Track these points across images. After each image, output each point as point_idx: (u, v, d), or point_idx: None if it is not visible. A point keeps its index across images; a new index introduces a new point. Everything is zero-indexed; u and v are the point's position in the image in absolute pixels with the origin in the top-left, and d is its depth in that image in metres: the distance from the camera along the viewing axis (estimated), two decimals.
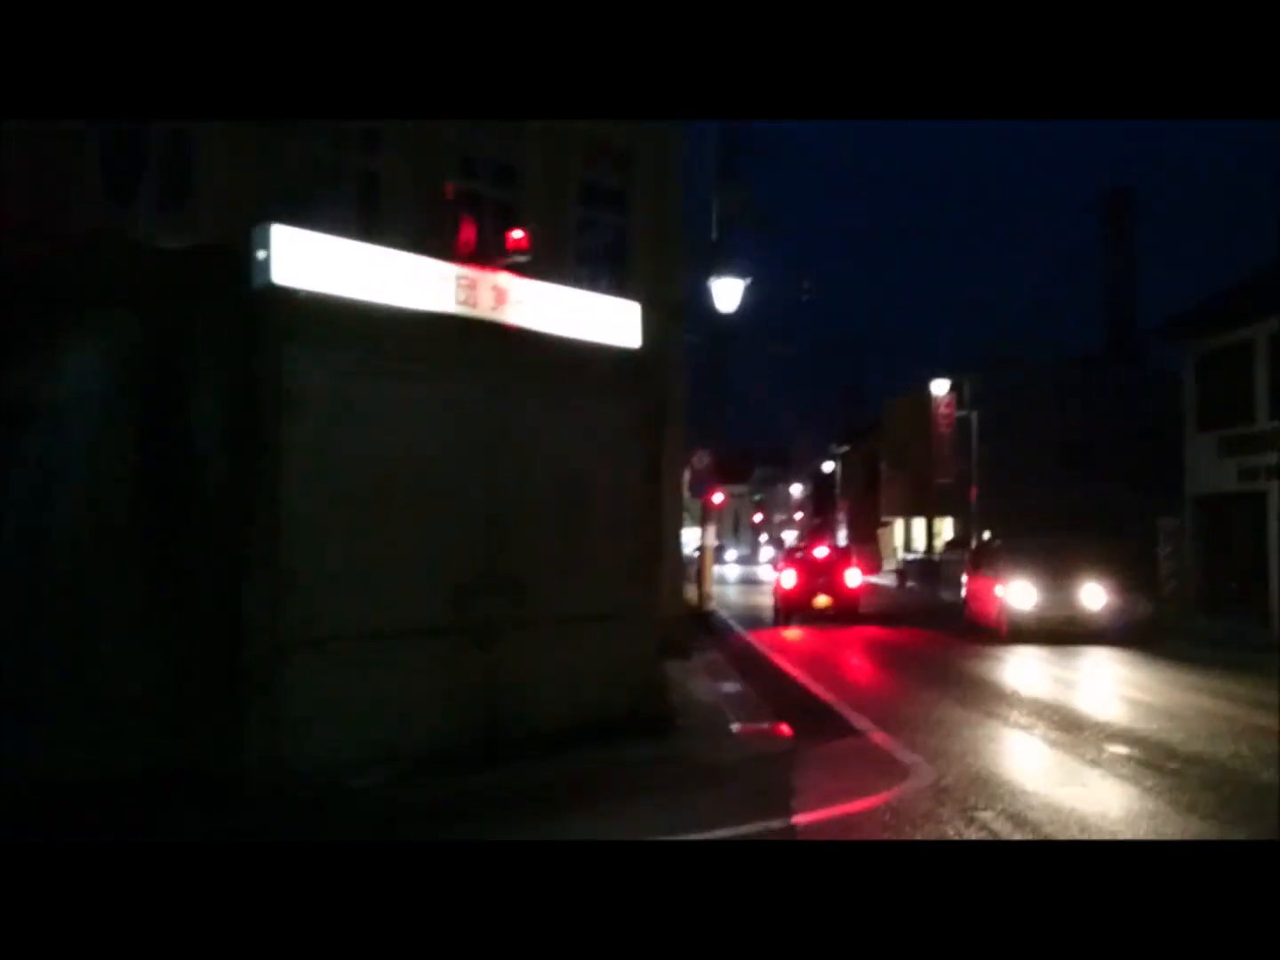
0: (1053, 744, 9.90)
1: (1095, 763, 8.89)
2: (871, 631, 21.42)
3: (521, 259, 8.58)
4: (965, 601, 22.70)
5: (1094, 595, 18.95)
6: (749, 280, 18.92)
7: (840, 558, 26.01)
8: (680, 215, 17.05)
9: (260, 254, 7.29)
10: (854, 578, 24.41)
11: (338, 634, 7.45)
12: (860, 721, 10.61)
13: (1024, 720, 11.15)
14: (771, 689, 13.07)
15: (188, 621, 7.52)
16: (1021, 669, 15.93)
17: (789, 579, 23.86)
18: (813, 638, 20.88)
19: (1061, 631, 18.26)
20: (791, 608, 23.43)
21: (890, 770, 8.44)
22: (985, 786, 7.89)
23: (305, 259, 7.47)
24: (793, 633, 21.77)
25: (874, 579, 46.25)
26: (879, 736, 9.88)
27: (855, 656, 18.35)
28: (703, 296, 19.78)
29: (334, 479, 7.49)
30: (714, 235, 19.61)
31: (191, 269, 7.72)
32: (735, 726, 10.07)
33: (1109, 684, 14.58)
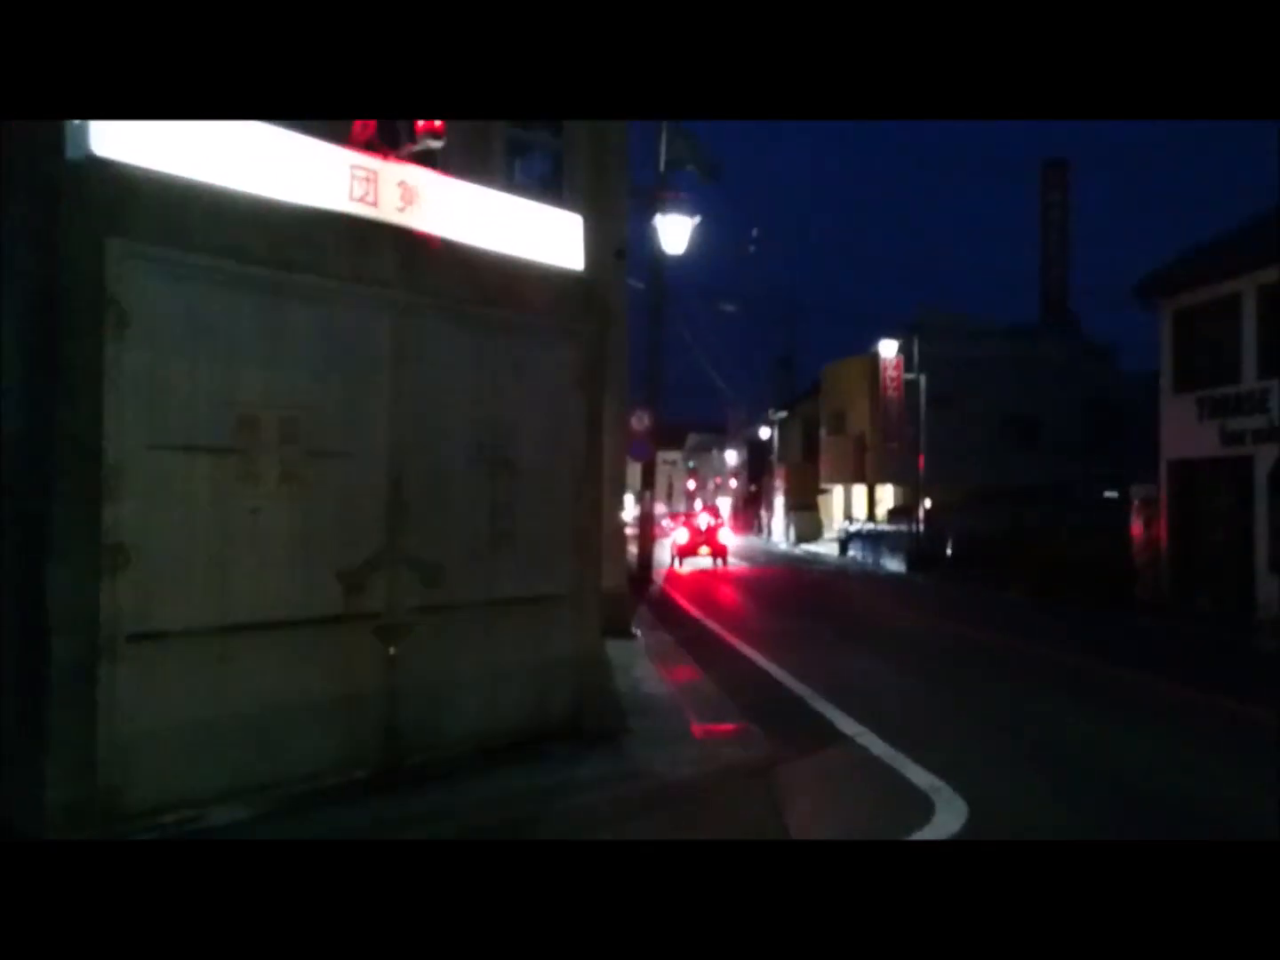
0: None
1: None
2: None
3: (434, 143, 6.70)
4: None
5: None
6: (697, 218, 17.07)
7: (718, 522, 35.30)
8: (624, 146, 15.16)
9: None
10: (726, 536, 34.50)
11: (186, 626, 5.61)
12: (848, 725, 8.99)
13: None
14: (734, 677, 11.44)
15: None
16: None
17: (682, 536, 34.07)
18: (768, 617, 19.36)
19: None
20: (683, 555, 32.98)
21: (906, 799, 6.83)
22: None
23: (142, 127, 5.53)
24: (732, 596, 20.25)
25: (814, 547, 45.10)
26: (879, 747, 8.22)
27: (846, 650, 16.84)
28: (641, 247, 18.04)
29: (180, 423, 5.63)
30: (660, 168, 17.74)
31: None
32: (697, 728, 8.40)
33: None
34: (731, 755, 7.58)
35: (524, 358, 7.53)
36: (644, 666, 11.64)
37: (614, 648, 12.99)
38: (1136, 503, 20.07)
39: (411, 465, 6.74)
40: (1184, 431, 18.94)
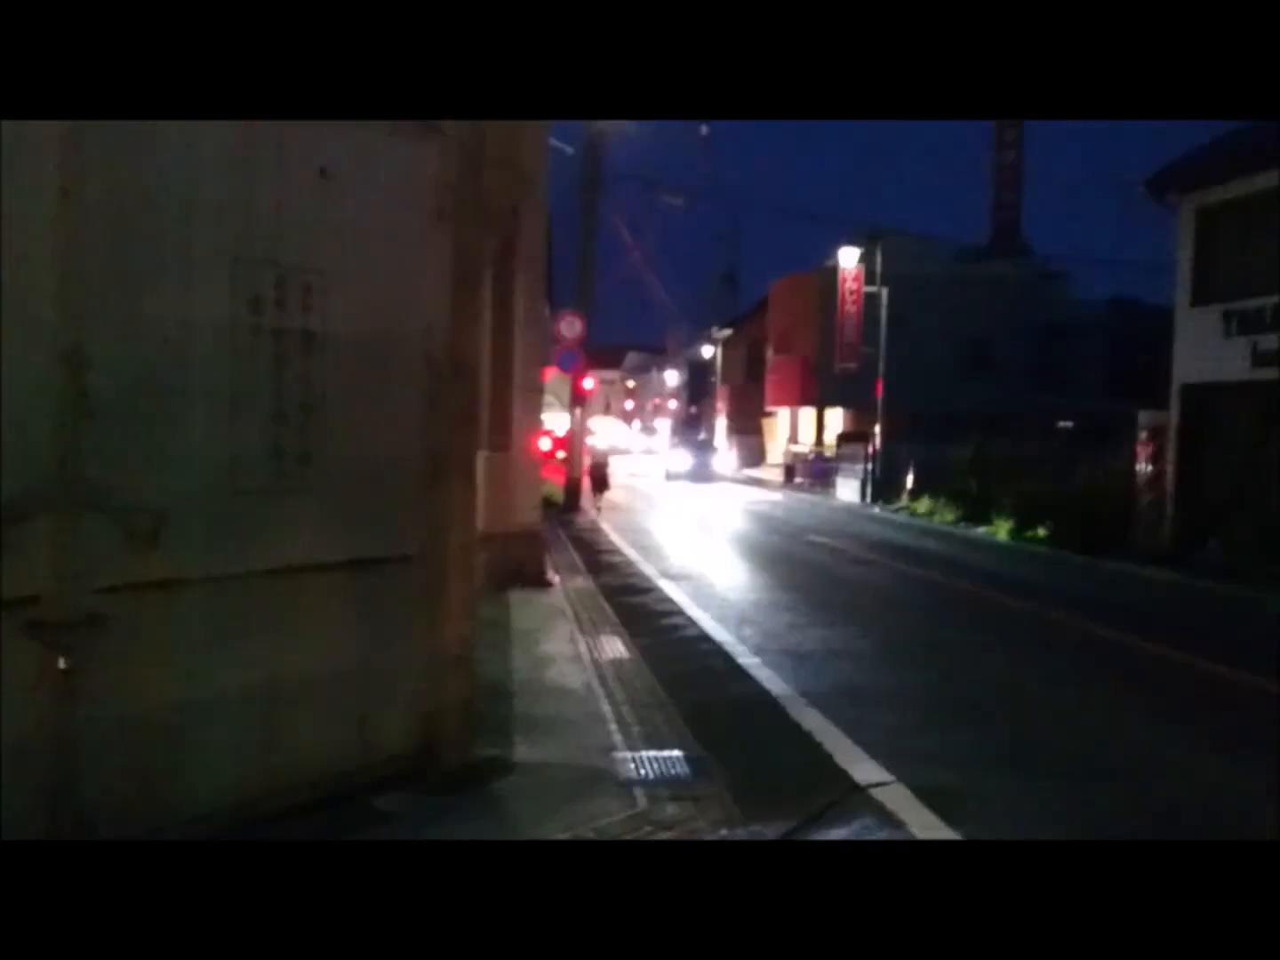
0: None
1: None
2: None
3: None
4: None
5: None
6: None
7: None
8: None
9: None
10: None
11: None
12: (849, 756, 5.91)
13: None
14: (674, 651, 8.66)
15: None
16: None
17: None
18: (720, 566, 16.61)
19: None
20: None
21: None
22: None
23: None
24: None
25: (758, 473, 42.54)
26: (909, 810, 5.12)
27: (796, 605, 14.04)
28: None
29: None
30: None
31: None
32: (623, 762, 5.55)
33: None
34: (678, 829, 4.69)
35: (341, 159, 4.51)
36: (555, 633, 8.80)
37: (522, 603, 10.20)
38: (1144, 434, 17.39)
39: (107, 332, 3.73)
40: (1204, 351, 16.27)
